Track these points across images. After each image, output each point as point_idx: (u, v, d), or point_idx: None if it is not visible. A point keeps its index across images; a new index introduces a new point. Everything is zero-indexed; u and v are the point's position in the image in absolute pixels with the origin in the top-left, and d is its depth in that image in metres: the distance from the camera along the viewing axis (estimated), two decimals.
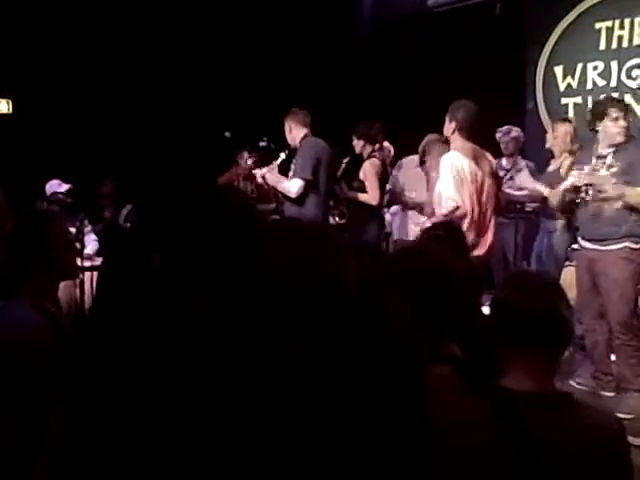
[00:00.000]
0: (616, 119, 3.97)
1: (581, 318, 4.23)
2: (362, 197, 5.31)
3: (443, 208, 3.81)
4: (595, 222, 4.00)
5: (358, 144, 5.47)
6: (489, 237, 3.97)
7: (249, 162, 5.17)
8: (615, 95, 5.64)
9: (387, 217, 5.94)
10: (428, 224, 3.89)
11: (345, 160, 5.52)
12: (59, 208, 5.68)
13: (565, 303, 1.53)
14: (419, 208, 5.24)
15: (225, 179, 6.23)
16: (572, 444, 1.42)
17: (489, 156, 4.10)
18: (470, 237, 3.71)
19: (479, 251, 3.88)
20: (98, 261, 5.38)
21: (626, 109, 4.07)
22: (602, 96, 6.11)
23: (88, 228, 5.57)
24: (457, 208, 3.77)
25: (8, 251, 2.12)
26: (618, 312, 3.90)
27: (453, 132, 3.96)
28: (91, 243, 5.70)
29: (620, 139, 3.96)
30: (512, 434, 1.39)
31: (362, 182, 5.34)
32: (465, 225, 3.74)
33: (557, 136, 5.02)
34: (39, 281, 2.11)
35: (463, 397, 1.48)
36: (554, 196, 4.44)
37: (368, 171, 5.32)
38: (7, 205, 4.95)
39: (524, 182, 4.99)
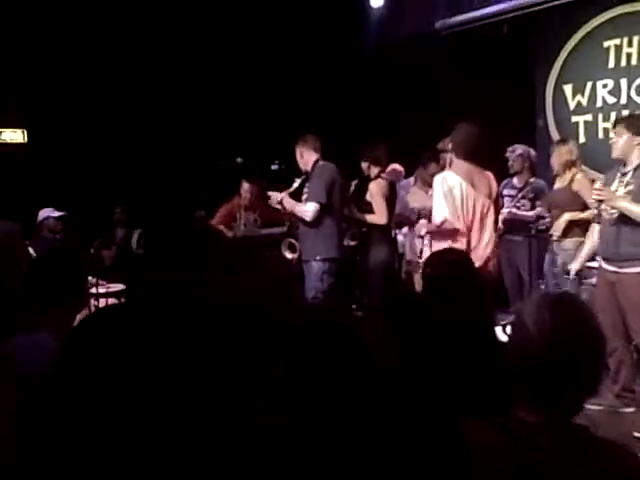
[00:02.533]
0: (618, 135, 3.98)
1: (605, 337, 4.17)
2: (370, 218, 5.38)
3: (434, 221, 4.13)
4: (614, 242, 3.97)
5: (365, 166, 5.56)
6: (483, 253, 4.12)
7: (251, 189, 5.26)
8: (625, 113, 5.67)
9: (399, 238, 5.95)
10: (424, 231, 4.43)
11: (354, 182, 5.57)
12: (49, 232, 5.64)
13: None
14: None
15: (225, 209, 6.25)
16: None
17: (489, 177, 4.27)
18: (463, 246, 3.96)
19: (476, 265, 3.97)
20: (113, 287, 5.41)
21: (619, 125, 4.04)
22: (612, 114, 6.17)
23: None
24: (444, 221, 4.02)
25: (27, 286, 2.14)
26: None
27: (452, 153, 4.22)
28: None
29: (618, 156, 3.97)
30: (522, 471, 1.37)
31: (369, 203, 5.40)
32: (457, 238, 4.01)
33: (558, 156, 5.01)
34: (57, 314, 2.13)
35: (482, 426, 1.46)
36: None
37: (374, 192, 5.40)
38: (22, 239, 5.02)
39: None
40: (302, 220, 4.96)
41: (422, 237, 4.74)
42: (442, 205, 4.05)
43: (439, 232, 4.12)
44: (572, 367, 1.45)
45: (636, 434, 3.75)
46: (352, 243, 5.61)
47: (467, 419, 1.45)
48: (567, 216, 4.82)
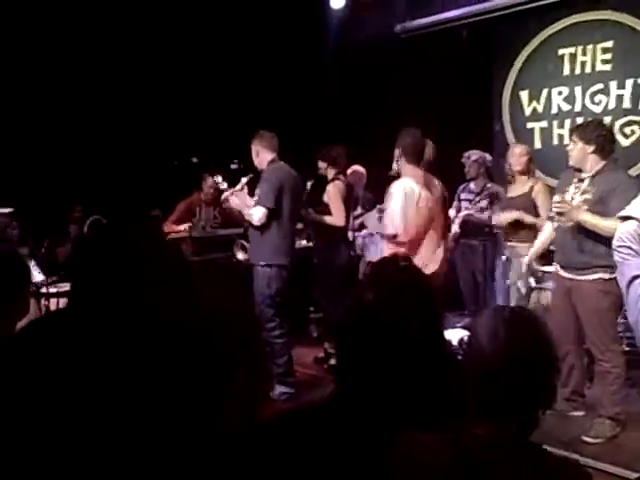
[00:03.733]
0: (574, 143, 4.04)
1: (558, 341, 4.24)
2: (327, 219, 5.38)
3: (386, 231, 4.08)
4: (567, 250, 4.03)
5: (322, 166, 5.57)
6: (440, 254, 4.15)
7: (221, 186, 5.16)
8: (579, 120, 5.77)
9: (358, 240, 5.95)
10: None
11: (309, 183, 5.56)
12: None
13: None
14: None
15: (185, 204, 6.20)
16: None
17: (437, 182, 4.26)
18: (419, 258, 3.93)
19: (433, 268, 4.04)
20: (65, 287, 5.27)
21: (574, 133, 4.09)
22: (567, 121, 6.28)
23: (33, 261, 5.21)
24: (395, 236, 4.00)
25: None
26: (599, 341, 3.91)
27: (399, 159, 4.16)
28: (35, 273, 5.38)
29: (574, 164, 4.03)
30: None
31: (326, 205, 5.40)
32: (410, 248, 3.97)
33: (513, 156, 5.08)
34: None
35: (428, 436, 1.45)
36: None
37: (332, 193, 5.41)
38: None
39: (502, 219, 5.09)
40: (250, 223, 4.82)
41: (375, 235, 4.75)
42: (397, 216, 3.98)
43: (392, 242, 4.06)
44: (526, 381, 1.44)
45: (585, 438, 3.82)
46: (308, 244, 5.61)
47: (417, 433, 1.45)
48: (516, 214, 4.91)
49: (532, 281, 4.62)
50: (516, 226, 4.96)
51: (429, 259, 4.06)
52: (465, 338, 1.57)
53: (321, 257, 5.49)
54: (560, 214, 3.95)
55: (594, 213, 3.81)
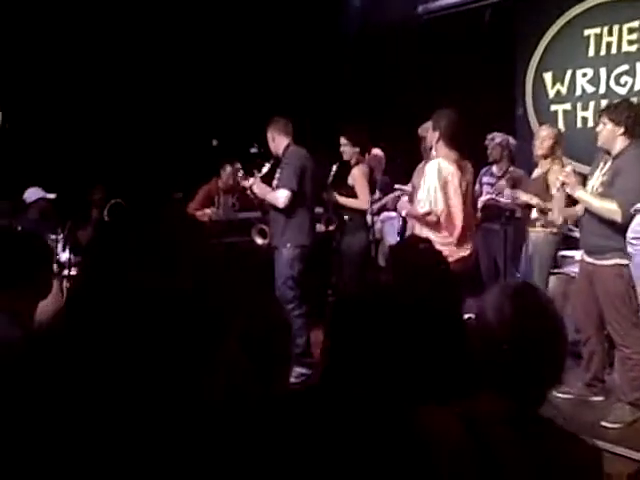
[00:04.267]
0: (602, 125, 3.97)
1: (579, 326, 4.22)
2: (353, 202, 5.37)
3: (418, 209, 4.04)
4: (585, 232, 3.99)
5: (344, 144, 5.49)
6: (470, 240, 4.14)
7: (239, 174, 5.21)
8: (604, 102, 5.68)
9: (377, 224, 5.92)
10: (404, 212, 4.37)
11: (335, 166, 5.54)
12: (38, 214, 5.61)
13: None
14: None
15: (204, 192, 6.23)
16: (541, 473, 1.40)
17: (469, 164, 4.24)
18: (451, 240, 3.95)
19: (464, 252, 4.04)
20: None
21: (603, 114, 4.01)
22: (591, 103, 6.18)
23: (60, 244, 5.21)
24: (429, 213, 3.95)
25: None
26: (619, 326, 3.87)
27: (438, 141, 4.09)
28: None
29: (602, 145, 3.96)
30: (480, 460, 1.37)
31: (351, 188, 5.38)
32: (442, 231, 3.97)
33: (537, 138, 4.99)
34: (17, 298, 2.09)
35: (439, 412, 1.46)
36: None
37: (358, 176, 5.39)
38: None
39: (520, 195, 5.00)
40: (274, 207, 4.92)
41: (404, 218, 4.72)
42: (430, 194, 3.92)
43: (423, 221, 4.04)
44: (534, 357, 1.45)
45: (604, 423, 3.79)
46: (330, 228, 5.58)
47: (428, 407, 1.45)
48: (526, 197, 4.83)
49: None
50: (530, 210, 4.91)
51: (462, 241, 4.05)
52: (473, 315, 1.57)
53: (341, 241, 5.49)
54: (563, 184, 3.92)
55: (606, 195, 3.77)
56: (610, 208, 3.71)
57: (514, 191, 5.09)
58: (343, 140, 5.49)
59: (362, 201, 5.34)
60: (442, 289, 2.67)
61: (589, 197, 3.84)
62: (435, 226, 3.98)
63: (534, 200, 4.80)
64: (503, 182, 5.53)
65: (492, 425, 1.42)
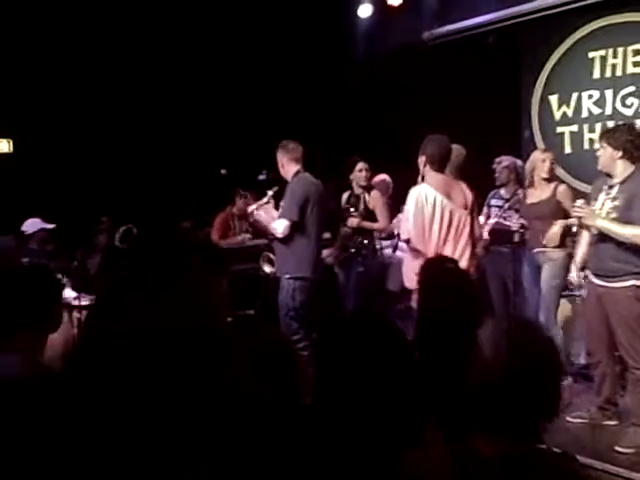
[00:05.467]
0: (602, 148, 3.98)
1: (590, 349, 4.19)
2: (375, 226, 5.50)
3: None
4: (599, 257, 3.97)
5: (364, 174, 5.56)
6: (463, 262, 4.05)
7: (243, 200, 5.26)
8: (610, 123, 5.69)
9: (385, 250, 5.93)
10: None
11: (345, 195, 5.61)
12: (38, 245, 5.59)
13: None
14: None
15: (220, 219, 6.28)
16: None
17: (463, 187, 4.25)
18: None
19: None
20: None
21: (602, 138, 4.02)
22: (598, 125, 6.19)
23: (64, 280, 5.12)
24: (408, 240, 4.06)
25: None
26: (632, 348, 3.84)
27: (425, 165, 4.16)
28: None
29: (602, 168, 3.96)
30: None
31: (372, 212, 5.48)
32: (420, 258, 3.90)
33: (540, 161, 5.00)
34: (28, 336, 2.09)
35: (433, 452, 1.44)
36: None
37: (378, 199, 5.51)
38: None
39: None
40: (274, 236, 4.85)
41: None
42: (408, 221, 4.05)
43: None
44: (529, 394, 1.44)
45: (618, 448, 3.75)
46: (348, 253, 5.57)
47: (421, 447, 1.43)
48: (557, 227, 4.81)
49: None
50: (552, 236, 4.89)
51: None
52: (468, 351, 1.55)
53: (362, 266, 5.50)
54: (579, 219, 3.93)
55: (622, 220, 3.76)
56: (636, 233, 3.71)
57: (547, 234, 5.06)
58: (363, 165, 5.54)
59: (382, 225, 5.48)
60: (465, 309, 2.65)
61: (610, 225, 3.81)
62: (418, 251, 4.02)
63: (556, 227, 4.79)
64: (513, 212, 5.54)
65: (487, 466, 1.39)
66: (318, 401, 1.48)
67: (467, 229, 4.17)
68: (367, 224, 5.47)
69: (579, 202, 4.06)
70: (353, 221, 5.45)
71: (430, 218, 4.01)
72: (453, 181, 4.19)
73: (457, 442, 1.46)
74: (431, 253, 3.96)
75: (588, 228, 4.06)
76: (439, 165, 4.13)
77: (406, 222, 4.08)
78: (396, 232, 4.54)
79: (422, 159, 4.17)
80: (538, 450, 1.49)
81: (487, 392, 1.46)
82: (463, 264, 4.05)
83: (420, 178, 4.21)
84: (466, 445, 1.46)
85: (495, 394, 1.44)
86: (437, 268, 2.85)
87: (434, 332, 2.57)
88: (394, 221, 4.81)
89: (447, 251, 4.04)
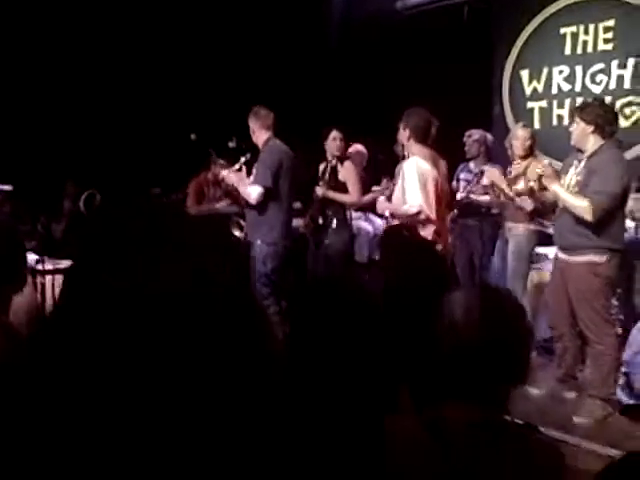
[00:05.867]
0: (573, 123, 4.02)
1: (552, 323, 4.28)
2: (344, 198, 5.34)
3: (406, 210, 4.04)
4: (561, 230, 4.03)
5: (338, 144, 5.45)
6: (446, 236, 4.25)
7: (218, 165, 5.16)
8: (579, 100, 5.74)
9: (354, 222, 5.92)
10: (387, 212, 4.40)
11: (327, 162, 5.49)
12: None
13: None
14: None
15: (194, 185, 6.19)
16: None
17: (441, 160, 4.28)
18: (430, 235, 3.98)
19: (438, 247, 4.07)
20: (61, 264, 5.28)
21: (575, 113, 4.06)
22: (567, 101, 6.25)
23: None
24: (419, 213, 3.97)
25: None
26: (591, 322, 3.91)
27: (408, 139, 4.16)
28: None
29: (575, 144, 4.02)
30: (445, 470, 1.37)
31: (342, 183, 5.35)
32: (427, 226, 3.99)
33: (518, 138, 5.02)
34: None
35: (406, 419, 1.46)
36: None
37: (351, 171, 5.37)
38: None
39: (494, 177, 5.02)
40: (247, 202, 4.85)
41: (386, 218, 4.74)
42: (417, 193, 3.97)
43: (413, 220, 4.02)
44: (501, 357, 1.46)
45: (576, 419, 3.85)
46: (318, 223, 5.54)
47: (393, 415, 1.45)
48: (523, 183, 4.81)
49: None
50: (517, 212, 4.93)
51: (436, 237, 4.08)
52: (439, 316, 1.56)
53: (325, 238, 5.45)
54: (540, 177, 4.01)
55: (582, 194, 3.81)
56: (582, 206, 3.76)
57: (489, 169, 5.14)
58: (336, 134, 5.45)
59: (353, 198, 5.34)
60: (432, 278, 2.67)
61: (564, 192, 3.89)
62: (421, 223, 4.01)
63: (503, 185, 4.83)
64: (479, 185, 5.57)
65: (458, 433, 1.41)
66: (289, 367, 1.48)
67: (448, 198, 4.30)
68: (336, 195, 5.35)
69: (546, 161, 4.12)
70: (318, 191, 5.38)
71: (427, 187, 4.03)
72: (434, 153, 4.20)
73: (427, 410, 1.48)
74: (433, 223, 4.02)
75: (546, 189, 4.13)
76: (422, 138, 4.12)
77: (415, 194, 3.99)
78: (387, 214, 4.50)
79: (405, 133, 4.15)
80: (504, 419, 1.52)
81: (458, 358, 1.47)
82: (447, 236, 4.24)
83: (405, 151, 4.22)
84: (437, 413, 1.48)
85: (466, 360, 1.46)
86: (398, 236, 2.85)
87: (399, 301, 2.59)
88: (380, 199, 4.66)
89: (440, 223, 4.10)
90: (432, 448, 1.38)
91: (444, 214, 4.26)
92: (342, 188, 5.34)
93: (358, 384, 1.43)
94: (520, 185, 4.62)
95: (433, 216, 4.03)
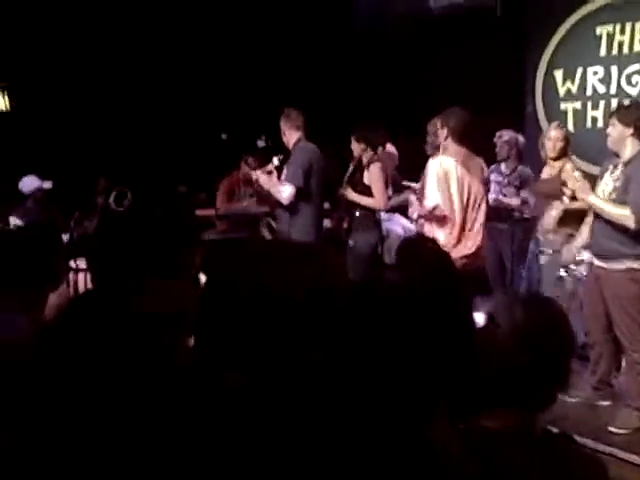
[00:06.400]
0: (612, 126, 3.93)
1: (587, 329, 4.22)
2: (369, 202, 5.25)
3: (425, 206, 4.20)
4: (597, 237, 3.97)
5: (358, 147, 5.41)
6: (475, 239, 4.18)
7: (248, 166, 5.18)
8: (614, 102, 5.65)
9: (383, 223, 5.88)
10: (416, 215, 4.49)
11: (352, 164, 5.46)
12: (36, 205, 5.56)
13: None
14: None
15: (226, 185, 6.21)
16: None
17: (481, 162, 4.34)
18: (450, 237, 4.06)
19: (466, 250, 4.12)
20: None
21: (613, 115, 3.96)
22: (601, 103, 6.15)
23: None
24: (436, 207, 4.09)
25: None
26: (627, 330, 3.85)
27: (446, 138, 4.19)
28: None
29: (611, 147, 3.93)
30: None
31: (365, 186, 5.28)
32: (445, 226, 4.09)
33: (550, 139, 4.91)
34: (29, 293, 2.08)
35: (442, 430, 1.44)
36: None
37: (375, 175, 5.27)
38: None
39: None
40: (279, 202, 4.88)
41: (416, 221, 4.73)
42: (435, 190, 4.09)
43: (430, 217, 4.18)
44: (542, 366, 1.44)
45: (611, 428, 3.80)
46: (342, 225, 5.51)
47: (428, 423, 1.42)
48: (555, 212, 4.74)
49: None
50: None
51: (463, 239, 4.13)
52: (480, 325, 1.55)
53: (352, 238, 5.42)
54: (573, 191, 3.95)
55: (619, 202, 3.74)
56: (624, 214, 3.69)
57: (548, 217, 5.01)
58: (355, 143, 5.43)
59: (378, 201, 5.26)
60: (450, 289, 2.64)
61: (601, 202, 3.82)
62: (441, 221, 4.10)
63: (554, 212, 4.73)
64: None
65: (496, 444, 1.39)
66: (327, 372, 1.46)
67: (483, 204, 4.25)
68: (360, 199, 5.26)
69: (577, 174, 4.06)
70: (341, 193, 5.35)
71: (454, 189, 4.07)
72: (470, 154, 4.21)
73: (464, 420, 1.46)
74: (459, 222, 4.07)
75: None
76: (461, 138, 4.15)
77: (432, 192, 4.11)
78: (415, 216, 4.50)
79: (444, 131, 4.18)
80: (542, 427, 1.50)
81: (503, 366, 1.45)
82: (479, 238, 4.19)
83: (441, 149, 4.22)
84: (474, 423, 1.46)
85: (509, 366, 1.44)
86: (419, 247, 2.80)
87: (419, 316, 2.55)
88: (412, 199, 4.63)
89: (466, 223, 4.12)
90: (469, 459, 1.36)
91: (474, 216, 4.20)
92: (367, 191, 5.28)
93: (396, 393, 1.41)
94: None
95: (454, 217, 4.06)
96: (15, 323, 1.99)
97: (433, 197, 4.11)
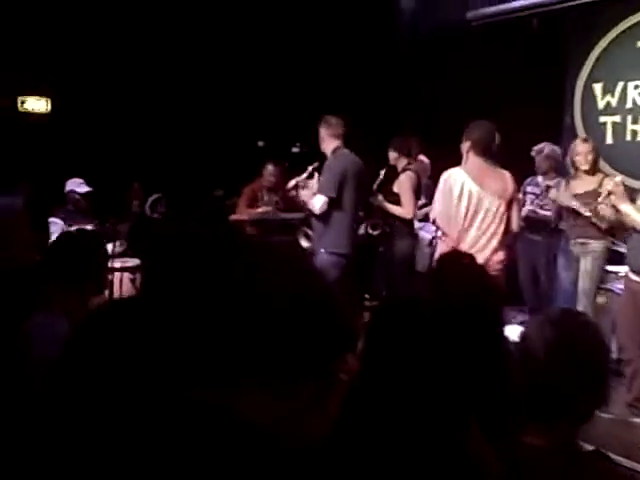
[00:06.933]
0: None
1: (622, 345, 4.15)
2: (396, 210, 5.31)
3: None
4: (635, 252, 3.91)
5: (392, 156, 5.47)
6: (485, 254, 3.99)
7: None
8: None
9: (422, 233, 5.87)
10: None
11: (382, 172, 5.51)
12: (72, 208, 5.67)
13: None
14: None
15: (249, 191, 6.25)
16: None
17: (505, 176, 4.17)
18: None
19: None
20: (129, 262, 5.42)
21: None
22: None
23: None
24: (434, 220, 4.25)
25: (47, 265, 2.14)
26: None
27: (468, 151, 4.14)
28: None
29: None
30: None
31: (397, 195, 5.32)
32: (447, 239, 4.10)
33: (579, 154, 4.84)
34: (75, 296, 2.13)
35: (480, 447, 1.43)
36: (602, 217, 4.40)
37: (404, 184, 5.31)
38: (26, 211, 5.03)
39: (562, 198, 4.90)
40: (311, 211, 4.87)
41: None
42: (436, 203, 4.18)
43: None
44: (579, 384, 1.43)
45: None
46: (374, 232, 5.54)
47: (466, 445, 1.41)
48: (575, 204, 4.67)
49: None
50: (584, 220, 4.75)
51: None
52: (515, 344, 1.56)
53: (388, 247, 5.44)
54: (609, 194, 3.93)
55: None
56: None
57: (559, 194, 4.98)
58: (392, 153, 5.49)
59: (406, 211, 5.28)
60: (485, 306, 2.62)
61: (634, 212, 3.76)
62: (443, 233, 4.18)
63: (582, 208, 4.68)
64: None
65: (534, 460, 1.38)
66: (364, 383, 1.45)
67: (498, 218, 4.06)
68: (390, 207, 5.32)
69: (618, 178, 4.01)
70: (370, 201, 5.37)
71: (457, 202, 4.03)
72: (492, 168, 4.12)
73: (502, 438, 1.45)
74: (455, 236, 4.03)
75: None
76: (482, 151, 4.10)
77: (435, 204, 4.20)
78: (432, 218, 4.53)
79: (467, 144, 4.13)
80: (579, 445, 1.49)
81: (541, 382, 1.45)
82: (486, 253, 4.02)
83: (462, 161, 4.20)
84: (513, 439, 1.45)
85: (544, 386, 1.44)
86: (452, 264, 2.77)
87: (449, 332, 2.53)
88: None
89: (470, 236, 4.04)
90: (506, 473, 1.35)
91: (485, 228, 4.06)
92: (397, 200, 5.31)
93: (430, 406, 1.40)
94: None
95: (450, 232, 4.04)
96: (54, 324, 2.04)
97: (435, 209, 4.21)
